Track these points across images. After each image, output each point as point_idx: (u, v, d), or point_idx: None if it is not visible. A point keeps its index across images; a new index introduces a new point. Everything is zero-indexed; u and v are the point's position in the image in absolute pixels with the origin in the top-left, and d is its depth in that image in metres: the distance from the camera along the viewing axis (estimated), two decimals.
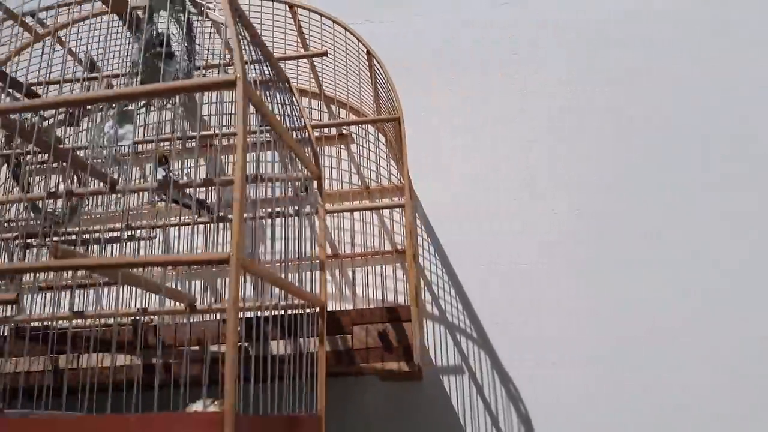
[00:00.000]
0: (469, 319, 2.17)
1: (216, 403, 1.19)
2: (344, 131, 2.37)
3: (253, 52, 1.46)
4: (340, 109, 2.42)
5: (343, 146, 2.38)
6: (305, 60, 2.24)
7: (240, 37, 1.26)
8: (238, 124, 1.10)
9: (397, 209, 2.20)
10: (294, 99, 1.66)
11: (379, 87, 2.10)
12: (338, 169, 2.32)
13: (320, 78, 2.33)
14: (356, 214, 2.29)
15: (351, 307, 2.17)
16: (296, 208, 1.65)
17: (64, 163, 1.77)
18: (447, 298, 2.21)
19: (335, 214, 2.26)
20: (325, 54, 2.04)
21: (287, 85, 1.63)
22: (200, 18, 1.54)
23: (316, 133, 2.29)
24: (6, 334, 1.89)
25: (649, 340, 2.06)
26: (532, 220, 2.24)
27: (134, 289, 1.91)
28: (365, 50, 2.01)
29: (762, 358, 2.00)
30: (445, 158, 2.36)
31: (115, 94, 1.26)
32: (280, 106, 1.59)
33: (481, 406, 2.08)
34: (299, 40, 2.12)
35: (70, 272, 1.91)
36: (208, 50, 1.81)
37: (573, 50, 2.44)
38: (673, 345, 2.05)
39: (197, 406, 1.20)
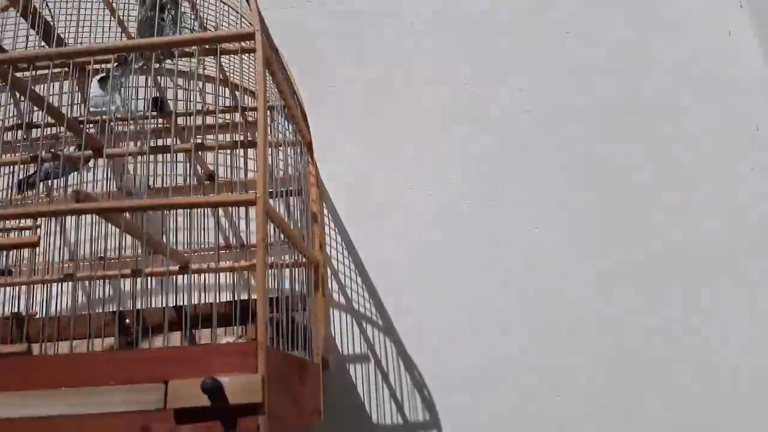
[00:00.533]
0: (375, 307, 2.18)
1: (242, 338, 1.29)
2: (250, 119, 2.32)
3: None
4: (246, 96, 2.36)
5: (249, 133, 2.32)
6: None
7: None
8: (259, 77, 1.15)
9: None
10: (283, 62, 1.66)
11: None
12: (244, 157, 2.26)
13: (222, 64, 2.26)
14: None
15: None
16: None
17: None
18: (353, 287, 2.21)
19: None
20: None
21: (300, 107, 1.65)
22: None
23: (221, 121, 2.23)
24: None
25: (540, 306, 2.14)
26: (432, 207, 2.28)
27: None
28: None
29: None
30: (347, 141, 2.36)
31: (135, 45, 1.34)
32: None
33: (386, 393, 2.09)
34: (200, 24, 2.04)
35: None
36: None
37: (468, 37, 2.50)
38: (572, 300, 2.14)
39: (228, 339, 1.28)
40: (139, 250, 1.78)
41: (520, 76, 2.43)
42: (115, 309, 1.80)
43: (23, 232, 1.70)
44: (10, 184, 1.93)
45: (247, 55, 1.77)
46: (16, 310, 1.84)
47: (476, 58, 2.47)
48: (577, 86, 2.40)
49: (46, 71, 1.49)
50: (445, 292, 2.18)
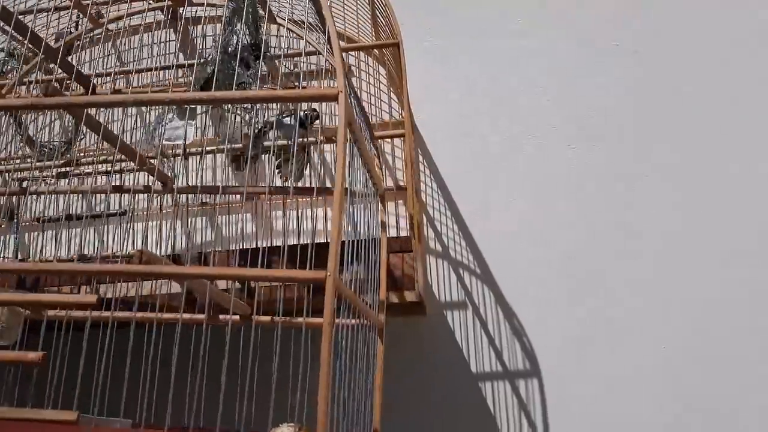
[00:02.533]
0: (473, 255, 2.13)
1: (298, 427, 1.18)
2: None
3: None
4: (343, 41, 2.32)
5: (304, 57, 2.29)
6: None
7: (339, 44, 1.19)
8: (339, 141, 1.07)
9: (399, 141, 2.14)
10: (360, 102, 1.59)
11: (377, 13, 2.01)
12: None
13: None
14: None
15: None
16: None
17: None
18: (450, 234, 2.17)
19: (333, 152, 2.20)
20: None
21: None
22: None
23: (313, 67, 2.22)
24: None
25: (656, 274, 2.03)
26: (538, 154, 2.18)
27: None
28: None
29: None
30: (448, 90, 2.28)
31: (212, 98, 1.27)
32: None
33: (485, 341, 2.06)
34: None
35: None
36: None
37: None
38: (677, 284, 2.01)
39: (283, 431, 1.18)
40: None
41: None
42: None
43: None
44: None
45: None
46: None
47: None
48: None
49: None
50: (545, 242, 2.10)
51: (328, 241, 1.07)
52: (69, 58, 1.92)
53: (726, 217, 2.03)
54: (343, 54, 2.20)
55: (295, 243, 1.64)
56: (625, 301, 2.02)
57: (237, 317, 1.46)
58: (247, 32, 1.52)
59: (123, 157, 1.72)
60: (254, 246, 1.73)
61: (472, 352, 2.06)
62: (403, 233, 2.13)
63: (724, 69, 2.16)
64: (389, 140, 2.20)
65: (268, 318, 1.44)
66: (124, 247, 1.81)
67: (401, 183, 2.19)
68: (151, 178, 1.76)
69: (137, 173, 1.96)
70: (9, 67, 1.97)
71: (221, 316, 1.50)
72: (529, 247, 2.11)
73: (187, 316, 1.41)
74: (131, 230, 1.94)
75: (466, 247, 2.14)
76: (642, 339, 1.98)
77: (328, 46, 1.16)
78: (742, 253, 1.99)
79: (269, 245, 1.65)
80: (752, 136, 2.08)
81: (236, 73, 1.43)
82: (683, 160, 2.10)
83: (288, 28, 1.58)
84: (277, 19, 1.70)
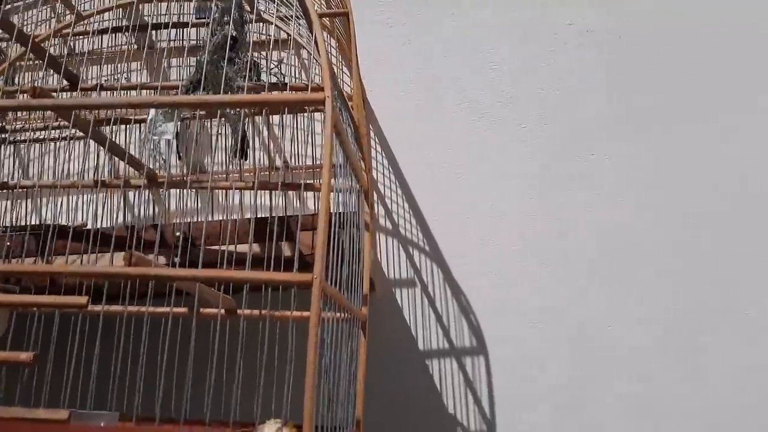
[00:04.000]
0: (422, 233, 2.12)
1: (286, 425, 1.21)
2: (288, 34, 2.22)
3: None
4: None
5: (293, 52, 2.23)
6: None
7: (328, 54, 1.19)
8: (325, 147, 1.09)
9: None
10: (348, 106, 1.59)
11: None
12: (289, 76, 2.18)
13: None
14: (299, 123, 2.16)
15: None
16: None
17: None
18: (400, 212, 2.15)
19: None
20: None
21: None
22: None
23: (259, 37, 2.14)
24: None
25: (603, 252, 2.05)
26: (491, 130, 2.17)
27: None
28: None
29: None
30: (400, 63, 2.24)
31: (197, 101, 1.30)
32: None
33: (432, 319, 2.06)
34: None
35: None
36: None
37: None
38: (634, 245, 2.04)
39: (269, 428, 1.21)
40: None
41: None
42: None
43: None
44: None
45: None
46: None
47: None
48: None
49: None
50: (496, 219, 2.10)
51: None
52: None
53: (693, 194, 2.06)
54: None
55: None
56: (576, 276, 2.04)
57: (224, 312, 1.50)
58: (233, 31, 1.54)
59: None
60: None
61: (419, 329, 2.05)
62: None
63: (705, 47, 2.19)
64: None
65: (255, 311, 1.48)
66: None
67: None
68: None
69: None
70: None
71: (208, 310, 1.54)
72: (480, 224, 2.10)
73: (177, 310, 1.45)
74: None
75: (416, 225, 2.13)
76: (594, 322, 2.01)
77: (315, 48, 1.18)
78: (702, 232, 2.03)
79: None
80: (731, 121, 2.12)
81: (224, 72, 1.45)
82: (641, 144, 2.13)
83: (276, 25, 1.63)
84: (264, 15, 1.69)
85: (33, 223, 1.97)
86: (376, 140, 2.21)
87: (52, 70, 1.86)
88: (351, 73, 2.15)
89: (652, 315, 1.98)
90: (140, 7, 2.06)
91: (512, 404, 1.99)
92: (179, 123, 1.63)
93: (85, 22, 1.98)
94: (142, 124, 1.78)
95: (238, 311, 1.51)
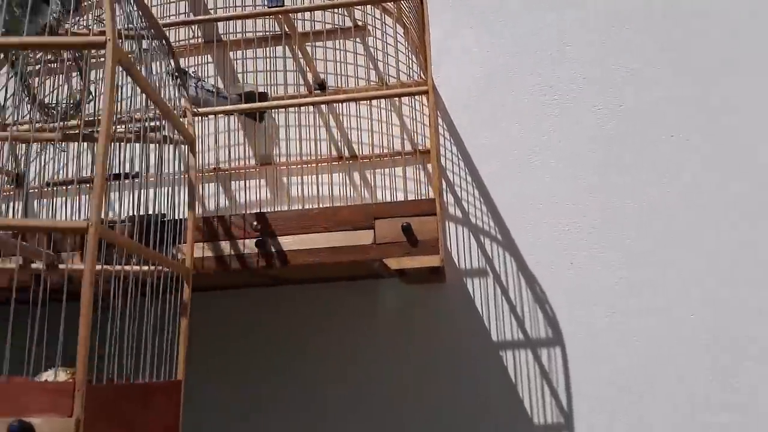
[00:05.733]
0: (494, 221, 2.07)
1: (69, 371, 1.18)
2: (359, 23, 2.20)
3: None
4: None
5: (358, 40, 2.21)
6: None
7: None
8: (106, 89, 1.03)
9: (418, 102, 2.06)
10: (173, 59, 1.55)
11: None
12: (354, 65, 2.16)
13: None
14: (374, 113, 2.15)
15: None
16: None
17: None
18: (470, 200, 2.10)
19: (352, 116, 2.13)
20: None
21: (166, 44, 1.52)
22: None
23: (329, 26, 2.13)
24: None
25: (679, 242, 1.96)
26: (560, 118, 2.10)
27: None
28: None
29: None
30: (468, 52, 2.19)
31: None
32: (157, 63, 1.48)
33: (506, 309, 2.01)
34: None
35: None
36: None
37: None
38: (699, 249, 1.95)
39: (48, 375, 1.18)
40: None
41: None
42: None
43: None
44: None
45: None
46: None
47: None
48: None
49: None
50: (569, 208, 2.03)
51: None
52: None
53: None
54: (362, 8, 2.12)
55: None
56: (654, 267, 1.96)
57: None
58: None
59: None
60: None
61: (492, 320, 2.01)
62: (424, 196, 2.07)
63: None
64: (407, 102, 2.12)
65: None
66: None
67: (420, 147, 2.12)
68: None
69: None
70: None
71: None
72: (552, 213, 2.04)
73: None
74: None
75: (487, 213, 2.08)
76: (674, 309, 1.93)
77: None
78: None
79: None
80: None
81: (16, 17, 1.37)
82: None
83: None
84: None
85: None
86: (444, 127, 2.17)
87: None
88: (420, 59, 2.12)
89: (734, 302, 1.88)
90: None
91: (588, 397, 1.93)
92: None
93: None
94: None
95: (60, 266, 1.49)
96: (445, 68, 2.17)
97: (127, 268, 1.22)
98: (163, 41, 1.55)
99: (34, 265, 1.53)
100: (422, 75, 2.11)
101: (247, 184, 2.17)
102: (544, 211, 2.04)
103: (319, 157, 2.15)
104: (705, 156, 1.99)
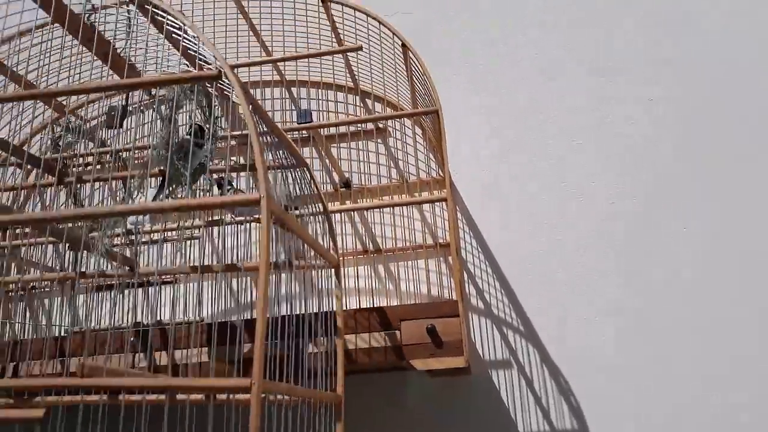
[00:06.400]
0: (515, 312, 2.13)
1: None
2: (380, 125, 2.35)
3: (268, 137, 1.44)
4: (377, 103, 2.39)
5: (380, 140, 2.35)
6: (340, 55, 2.21)
7: (262, 144, 1.23)
8: (262, 240, 1.10)
9: (438, 202, 2.17)
10: (314, 184, 1.65)
11: (415, 80, 2.06)
12: (376, 164, 2.30)
13: (356, 73, 2.31)
14: (396, 209, 2.26)
15: (395, 302, 2.15)
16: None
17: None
18: (491, 292, 2.17)
19: (376, 210, 2.24)
20: (359, 49, 2.01)
21: (306, 170, 1.62)
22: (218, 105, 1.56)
23: (353, 129, 2.28)
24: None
25: (709, 333, 2.00)
26: (573, 211, 2.19)
27: None
28: (400, 43, 1.98)
29: None
30: (483, 149, 2.32)
31: (148, 208, 1.34)
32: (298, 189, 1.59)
33: (531, 400, 2.04)
34: (333, 35, 2.10)
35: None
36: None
37: (606, 38, 2.37)
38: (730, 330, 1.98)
39: None
40: None
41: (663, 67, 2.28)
42: None
43: None
44: None
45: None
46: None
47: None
48: None
49: None
50: (590, 297, 2.09)
51: None
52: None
53: None
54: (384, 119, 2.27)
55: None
56: (677, 355, 1.99)
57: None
58: (200, 116, 1.58)
59: None
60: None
61: (518, 411, 2.04)
62: (445, 292, 2.15)
63: None
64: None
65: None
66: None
67: (440, 241, 2.21)
68: None
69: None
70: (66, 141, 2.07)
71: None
72: (574, 303, 2.10)
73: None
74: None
75: (509, 305, 2.14)
76: (704, 396, 1.95)
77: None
78: None
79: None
80: None
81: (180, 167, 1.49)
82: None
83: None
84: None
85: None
86: (463, 221, 2.27)
87: None
88: (438, 162, 2.24)
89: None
90: None
91: None
92: None
93: None
94: None
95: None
96: (461, 162, 2.28)
97: None
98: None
99: None
100: (440, 172, 2.24)
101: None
102: (568, 302, 2.10)
103: (345, 251, 2.25)
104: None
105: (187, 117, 1.60)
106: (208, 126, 1.54)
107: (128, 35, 1.58)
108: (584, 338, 2.06)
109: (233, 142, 1.97)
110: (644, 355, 2.01)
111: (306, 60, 2.23)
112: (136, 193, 1.75)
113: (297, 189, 1.57)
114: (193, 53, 1.39)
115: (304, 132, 2.31)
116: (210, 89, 1.55)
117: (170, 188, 1.59)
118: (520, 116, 2.33)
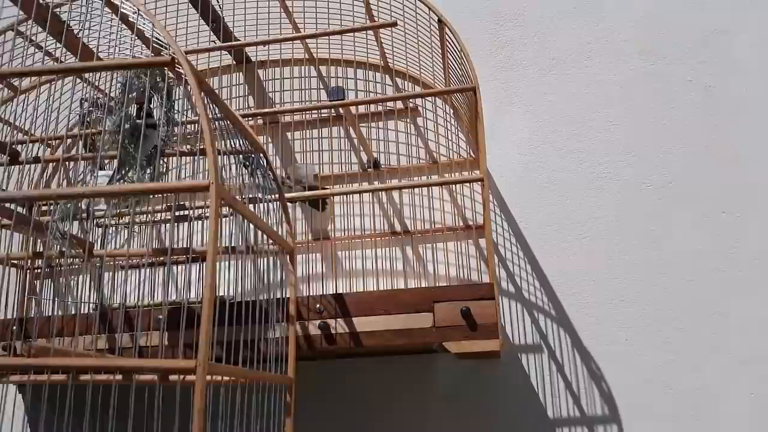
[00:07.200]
0: (547, 296, 2.10)
1: None
2: (411, 104, 2.31)
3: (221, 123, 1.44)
4: (408, 83, 2.34)
5: (409, 120, 2.31)
6: (372, 32, 2.17)
7: (212, 126, 1.24)
8: (211, 231, 1.14)
9: (468, 183, 2.13)
10: (270, 169, 1.66)
11: (449, 57, 2.02)
12: (406, 144, 2.26)
13: (390, 51, 2.26)
14: (425, 189, 2.23)
15: (425, 284, 2.13)
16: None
17: None
18: (523, 275, 2.14)
19: (406, 190, 2.21)
20: (394, 24, 1.97)
21: (262, 156, 1.62)
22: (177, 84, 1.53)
23: (381, 108, 2.24)
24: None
25: (732, 315, 1.96)
26: (609, 192, 2.14)
27: None
28: (437, 19, 1.93)
29: None
30: (516, 128, 2.27)
31: (113, 191, 1.37)
32: (257, 177, 1.60)
33: (561, 385, 2.02)
34: (366, 10, 2.05)
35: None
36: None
37: (647, 15, 2.30)
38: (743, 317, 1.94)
39: None
40: None
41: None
42: None
43: None
44: None
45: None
46: None
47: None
48: None
49: None
50: (621, 280, 2.06)
51: None
52: None
53: None
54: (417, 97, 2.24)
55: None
56: (708, 342, 1.95)
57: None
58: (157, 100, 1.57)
59: None
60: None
61: (548, 396, 2.02)
62: (474, 274, 2.12)
63: None
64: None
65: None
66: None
67: (471, 223, 2.18)
68: None
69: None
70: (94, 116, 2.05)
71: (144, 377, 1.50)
72: (605, 286, 2.06)
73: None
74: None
75: (540, 288, 2.11)
76: (732, 383, 1.91)
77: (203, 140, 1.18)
78: None
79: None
80: None
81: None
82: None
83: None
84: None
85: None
86: (494, 203, 2.23)
87: None
88: (471, 142, 2.20)
89: None
90: None
91: None
92: None
93: None
94: None
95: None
96: (493, 146, 2.24)
97: None
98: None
99: None
100: (471, 153, 2.20)
101: (305, 258, 2.26)
102: (597, 284, 2.07)
103: (373, 232, 2.23)
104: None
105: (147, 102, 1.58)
106: (160, 109, 1.53)
107: (83, 16, 1.56)
108: (617, 322, 2.02)
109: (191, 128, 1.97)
110: (679, 343, 1.97)
111: (339, 37, 2.19)
112: (89, 176, 1.76)
113: (257, 175, 1.58)
114: (148, 37, 1.39)
115: (332, 110, 2.28)
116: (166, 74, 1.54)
117: (122, 172, 1.59)
118: (555, 98, 2.28)
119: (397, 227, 2.25)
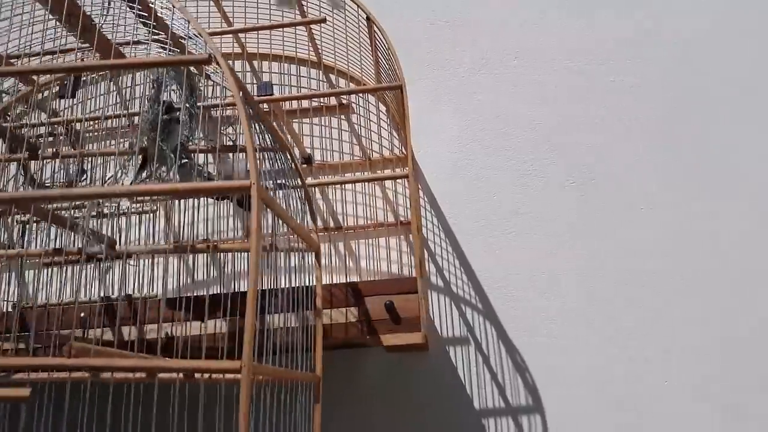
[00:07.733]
0: (474, 290, 2.15)
1: None
2: (344, 101, 2.32)
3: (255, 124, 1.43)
4: (341, 78, 2.35)
5: (343, 117, 2.33)
6: (303, 28, 2.17)
7: (252, 130, 1.23)
8: (253, 227, 1.13)
9: (400, 180, 2.16)
10: (295, 165, 1.65)
11: (379, 55, 2.04)
12: (338, 140, 2.27)
13: (319, 47, 2.27)
14: (358, 186, 2.25)
15: (356, 279, 2.14)
16: None
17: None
18: (451, 270, 2.19)
19: (337, 186, 2.22)
20: (323, 21, 1.97)
21: (289, 155, 1.62)
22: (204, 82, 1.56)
23: (315, 104, 2.25)
24: None
25: (655, 304, 2.06)
26: (535, 189, 2.21)
27: None
28: (365, 16, 1.95)
29: None
30: (446, 126, 2.32)
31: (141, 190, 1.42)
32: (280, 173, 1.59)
33: (487, 377, 2.07)
34: (297, 6, 2.05)
35: None
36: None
37: (575, 15, 2.38)
38: (678, 309, 2.05)
39: None
40: None
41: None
42: None
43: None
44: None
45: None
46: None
47: None
48: None
49: None
50: (547, 276, 2.13)
51: None
52: None
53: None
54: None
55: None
56: (633, 335, 2.04)
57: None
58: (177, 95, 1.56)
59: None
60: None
61: (474, 388, 2.07)
62: (405, 270, 2.15)
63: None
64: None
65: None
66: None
67: (402, 219, 2.21)
68: None
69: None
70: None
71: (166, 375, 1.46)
72: (531, 281, 2.13)
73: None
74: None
75: (468, 282, 2.16)
76: (652, 378, 2.01)
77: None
78: None
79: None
80: None
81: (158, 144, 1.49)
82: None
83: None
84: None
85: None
86: (425, 199, 2.27)
87: None
88: (401, 139, 2.23)
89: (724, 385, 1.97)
90: None
91: None
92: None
93: None
94: None
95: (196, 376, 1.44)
96: (424, 143, 2.28)
97: None
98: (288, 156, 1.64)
99: None
100: (403, 149, 2.23)
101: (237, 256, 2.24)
102: (525, 281, 2.13)
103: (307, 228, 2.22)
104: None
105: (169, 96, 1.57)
106: (185, 104, 1.52)
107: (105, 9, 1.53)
108: (542, 316, 2.09)
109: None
110: (602, 332, 2.06)
111: (268, 32, 2.18)
112: (120, 174, 1.71)
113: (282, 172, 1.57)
114: (180, 35, 1.37)
115: (264, 106, 2.26)
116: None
117: (151, 168, 1.56)
118: (483, 98, 2.33)
119: (330, 223, 2.26)
